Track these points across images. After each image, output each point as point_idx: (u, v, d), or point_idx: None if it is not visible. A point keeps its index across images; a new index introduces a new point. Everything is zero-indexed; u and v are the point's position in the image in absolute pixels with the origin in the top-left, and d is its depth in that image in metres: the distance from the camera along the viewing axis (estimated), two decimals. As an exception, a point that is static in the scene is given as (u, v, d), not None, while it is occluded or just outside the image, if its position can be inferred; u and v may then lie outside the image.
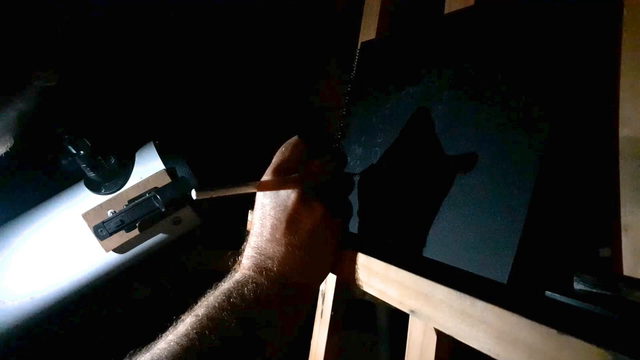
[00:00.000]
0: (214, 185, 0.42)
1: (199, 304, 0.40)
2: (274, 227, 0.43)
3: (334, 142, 0.63)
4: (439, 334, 0.39)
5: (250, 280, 0.41)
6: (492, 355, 0.31)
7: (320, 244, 0.45)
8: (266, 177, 0.45)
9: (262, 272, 0.42)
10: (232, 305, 0.38)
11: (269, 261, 0.42)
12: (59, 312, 0.77)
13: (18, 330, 0.74)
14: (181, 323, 0.38)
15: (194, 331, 0.36)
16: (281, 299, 0.41)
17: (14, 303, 0.72)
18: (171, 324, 0.38)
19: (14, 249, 0.72)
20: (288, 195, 0.44)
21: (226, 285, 0.41)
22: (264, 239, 0.43)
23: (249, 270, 0.42)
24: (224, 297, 0.39)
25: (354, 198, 0.55)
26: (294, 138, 0.49)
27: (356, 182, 0.55)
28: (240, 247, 0.46)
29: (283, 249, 0.43)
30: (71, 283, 0.73)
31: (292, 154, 0.47)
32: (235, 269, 0.44)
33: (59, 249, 0.73)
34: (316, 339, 0.57)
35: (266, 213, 0.44)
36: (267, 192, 0.44)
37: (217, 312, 0.38)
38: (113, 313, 0.93)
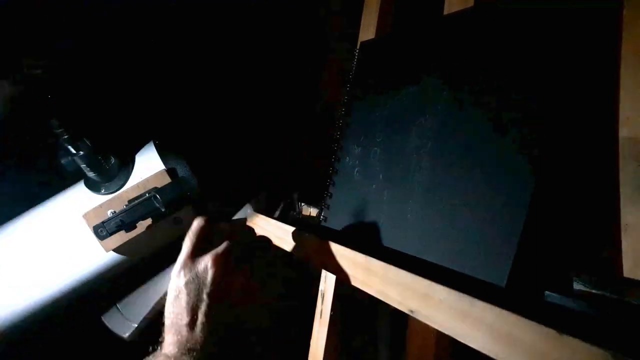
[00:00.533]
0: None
1: None
2: (193, 309, 0.42)
3: (333, 143, 0.63)
4: (439, 334, 0.39)
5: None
6: (492, 355, 0.31)
7: (255, 303, 0.45)
8: (180, 268, 0.45)
9: (187, 354, 0.41)
10: None
11: (194, 343, 0.42)
12: (58, 312, 0.76)
13: (18, 330, 0.74)
14: None
15: None
16: None
17: (14, 303, 0.72)
18: None
19: (14, 248, 0.72)
20: (205, 272, 0.44)
21: None
22: (184, 322, 0.42)
23: (176, 355, 0.41)
24: None
25: (353, 198, 0.55)
26: (198, 220, 0.49)
27: (356, 182, 0.55)
28: (160, 338, 0.44)
29: (206, 329, 0.42)
30: (71, 283, 0.73)
31: (199, 237, 0.47)
32: (155, 356, 0.43)
33: (59, 249, 0.73)
34: (316, 338, 0.57)
35: (182, 296, 0.43)
36: (181, 276, 0.44)
37: None
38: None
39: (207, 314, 0.42)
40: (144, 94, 0.92)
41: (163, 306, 0.45)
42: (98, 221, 0.68)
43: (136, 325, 0.42)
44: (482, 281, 0.36)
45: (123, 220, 0.68)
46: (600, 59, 0.34)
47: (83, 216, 0.70)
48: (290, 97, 1.01)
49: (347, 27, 0.74)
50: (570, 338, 0.26)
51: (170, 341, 0.42)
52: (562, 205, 0.34)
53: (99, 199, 0.73)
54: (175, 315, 0.43)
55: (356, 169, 0.57)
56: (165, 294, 0.46)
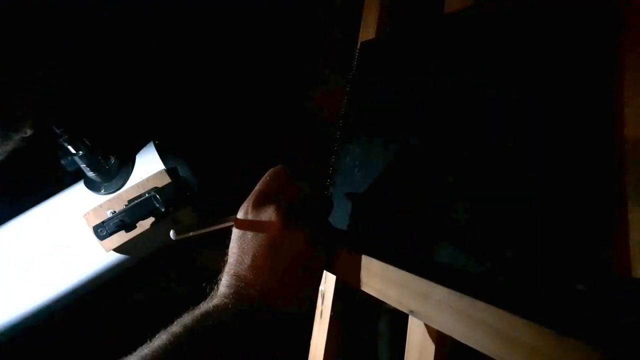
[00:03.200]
0: (192, 225, 0.42)
1: (175, 323, 0.38)
2: (254, 254, 0.42)
3: (333, 142, 0.63)
4: (439, 334, 0.39)
5: (229, 306, 0.39)
6: (492, 356, 0.31)
7: (302, 269, 0.43)
8: (245, 206, 0.45)
9: (241, 299, 0.40)
10: (209, 327, 0.37)
11: (250, 289, 0.41)
12: (58, 312, 0.77)
13: (18, 331, 0.74)
14: (156, 339, 0.37)
15: (168, 343, 0.35)
16: (258, 325, 0.40)
17: (14, 303, 0.72)
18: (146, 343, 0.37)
19: (14, 248, 0.72)
20: (269, 222, 0.43)
21: (204, 307, 0.39)
22: (245, 266, 0.42)
23: (228, 297, 0.40)
24: (201, 319, 0.38)
25: (352, 198, 0.55)
26: (278, 167, 0.48)
27: (355, 182, 0.55)
28: (217, 277, 0.44)
29: (264, 276, 0.41)
30: (71, 283, 0.73)
31: (274, 183, 0.46)
32: (212, 296, 0.42)
33: (59, 249, 0.73)
34: (316, 339, 0.57)
35: (247, 239, 0.43)
36: (247, 217, 0.43)
37: (192, 325, 0.37)
38: (113, 313, 0.93)
39: (266, 262, 0.41)
40: (143, 94, 0.92)
41: (215, 230, 0.44)
42: (98, 221, 0.68)
43: (189, 230, 0.42)
44: (482, 281, 0.36)
45: (123, 220, 0.68)
46: (602, 56, 0.34)
47: (83, 216, 0.70)
48: (290, 97, 1.01)
49: (347, 27, 0.74)
50: (571, 338, 0.25)
51: (228, 283, 0.42)
52: (562, 204, 0.34)
53: (98, 199, 0.73)
54: (237, 255, 0.43)
55: (356, 169, 0.57)
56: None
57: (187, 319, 0.38)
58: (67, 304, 0.76)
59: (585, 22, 0.34)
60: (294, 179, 0.48)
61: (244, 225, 0.43)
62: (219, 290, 0.42)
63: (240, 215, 0.44)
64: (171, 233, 0.40)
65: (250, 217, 0.43)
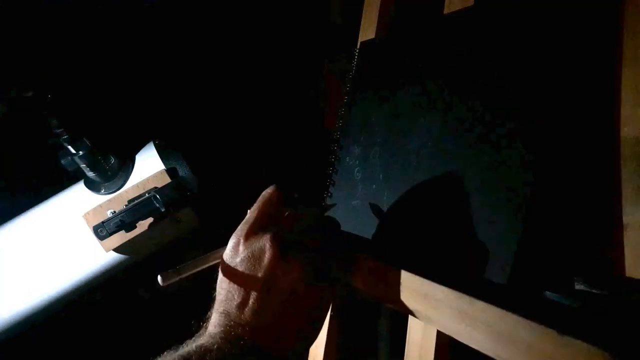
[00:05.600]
0: (179, 266, 0.39)
1: None
2: (246, 290, 0.38)
3: (333, 142, 0.63)
4: (439, 334, 0.39)
5: (215, 348, 0.35)
6: (492, 355, 0.31)
7: (299, 309, 0.39)
8: (237, 235, 0.41)
9: (230, 340, 0.36)
10: None
11: (239, 328, 0.37)
12: (58, 313, 0.76)
13: (17, 331, 0.74)
14: None
15: None
16: None
17: (14, 303, 0.72)
18: None
19: (14, 248, 0.72)
20: (262, 253, 0.39)
21: (187, 348, 0.36)
22: (235, 303, 0.38)
23: (215, 337, 0.37)
24: (181, 359, 0.34)
25: (353, 198, 0.55)
26: (271, 189, 0.44)
27: (356, 182, 0.55)
28: (206, 315, 0.40)
29: (257, 316, 0.37)
30: (71, 283, 0.73)
31: (269, 209, 0.42)
32: (199, 335, 0.38)
33: (59, 249, 0.73)
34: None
35: (238, 274, 0.39)
36: (239, 251, 0.40)
37: None
38: (113, 313, 0.93)
39: (259, 299, 0.38)
40: (143, 94, 0.92)
41: (209, 267, 0.41)
42: (98, 221, 0.68)
43: (177, 272, 0.40)
44: (483, 281, 0.36)
45: (123, 220, 0.68)
46: (600, 58, 0.34)
47: (83, 216, 0.70)
48: (290, 97, 1.01)
49: (347, 27, 0.74)
50: (570, 338, 0.25)
51: (217, 322, 0.38)
52: (562, 204, 0.34)
53: (98, 199, 0.73)
54: (227, 292, 0.39)
55: (356, 169, 0.57)
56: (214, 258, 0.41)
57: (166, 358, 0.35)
58: (67, 304, 0.76)
59: (585, 22, 0.34)
60: (287, 203, 0.44)
61: (230, 267, 0.40)
62: (207, 329, 0.39)
63: (230, 245, 0.41)
64: (159, 278, 0.37)
65: (241, 248, 0.40)
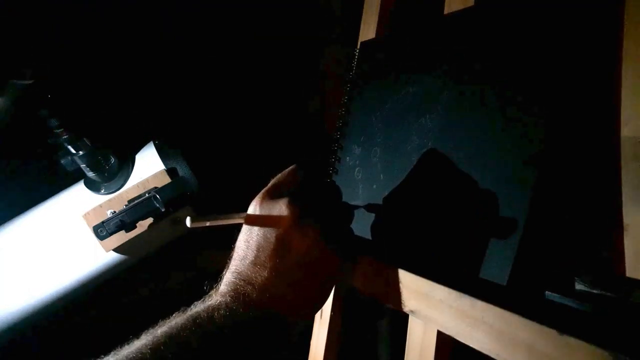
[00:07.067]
0: (208, 214, 0.40)
1: (160, 324, 0.36)
2: (259, 249, 0.39)
3: (333, 142, 0.63)
4: (439, 334, 0.39)
5: (223, 306, 0.36)
6: (492, 355, 0.31)
7: (311, 272, 0.39)
8: (257, 198, 0.42)
9: (239, 298, 0.37)
10: (196, 325, 0.34)
11: (249, 287, 0.37)
12: (58, 313, 0.77)
13: (17, 331, 0.74)
14: (137, 340, 0.34)
15: (148, 347, 0.32)
16: (256, 331, 0.36)
17: (14, 303, 0.72)
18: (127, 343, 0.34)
19: (14, 248, 0.72)
20: (279, 217, 0.39)
21: (196, 309, 0.37)
22: (247, 262, 0.39)
23: (225, 296, 0.37)
24: (189, 318, 0.35)
25: (354, 198, 0.55)
26: (292, 166, 0.45)
27: (357, 182, 0.55)
28: (221, 274, 0.41)
29: (266, 275, 0.38)
30: (71, 283, 0.73)
31: (290, 177, 0.44)
32: (210, 295, 0.39)
33: (59, 249, 0.73)
34: (316, 339, 0.57)
35: (253, 234, 0.40)
36: (257, 210, 0.41)
37: (178, 331, 0.34)
38: (113, 313, 0.93)
39: (271, 259, 0.38)
40: (143, 94, 0.92)
41: (230, 224, 0.41)
42: (98, 221, 0.68)
43: (205, 219, 0.40)
44: (483, 281, 0.36)
45: (123, 220, 0.68)
46: (601, 57, 0.34)
47: (83, 216, 0.70)
48: (290, 97, 1.01)
49: (347, 27, 0.74)
50: (571, 338, 0.26)
51: (228, 280, 0.39)
52: (563, 204, 0.34)
53: (98, 199, 0.73)
54: (242, 251, 0.40)
55: (357, 169, 0.57)
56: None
57: (174, 320, 0.35)
58: (67, 304, 0.76)
59: (585, 23, 0.34)
60: (312, 179, 0.45)
61: (252, 220, 0.40)
62: (219, 288, 0.39)
63: (251, 208, 0.42)
64: (187, 220, 0.37)
65: (260, 210, 0.40)
